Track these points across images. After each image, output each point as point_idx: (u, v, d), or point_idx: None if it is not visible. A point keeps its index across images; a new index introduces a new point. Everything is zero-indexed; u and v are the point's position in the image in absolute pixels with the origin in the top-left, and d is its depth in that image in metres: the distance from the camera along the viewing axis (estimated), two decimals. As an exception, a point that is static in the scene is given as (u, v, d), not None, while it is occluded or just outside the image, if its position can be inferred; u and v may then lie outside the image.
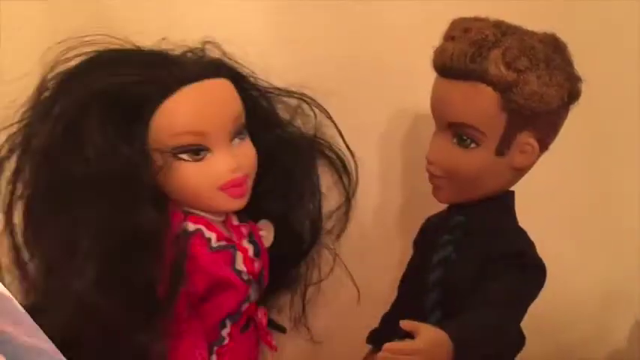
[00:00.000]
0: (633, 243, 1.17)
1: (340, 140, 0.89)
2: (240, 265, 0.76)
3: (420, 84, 0.80)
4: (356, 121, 0.94)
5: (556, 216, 1.09)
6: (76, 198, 0.69)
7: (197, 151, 0.72)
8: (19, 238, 0.74)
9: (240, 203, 0.76)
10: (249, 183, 0.76)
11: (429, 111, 0.79)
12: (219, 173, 0.73)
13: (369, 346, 0.92)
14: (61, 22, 0.79)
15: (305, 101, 0.87)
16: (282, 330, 0.90)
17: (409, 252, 0.92)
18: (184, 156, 0.71)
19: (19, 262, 0.74)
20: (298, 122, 0.88)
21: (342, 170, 0.89)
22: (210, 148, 0.72)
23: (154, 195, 0.71)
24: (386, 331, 0.87)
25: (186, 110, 0.70)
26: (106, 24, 0.77)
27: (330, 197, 0.91)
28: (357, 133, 0.93)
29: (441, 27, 0.77)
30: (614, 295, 1.18)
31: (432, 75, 0.77)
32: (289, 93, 0.86)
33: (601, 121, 1.07)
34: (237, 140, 0.75)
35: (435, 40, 0.77)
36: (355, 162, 0.90)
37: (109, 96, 0.69)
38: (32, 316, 0.70)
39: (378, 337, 0.90)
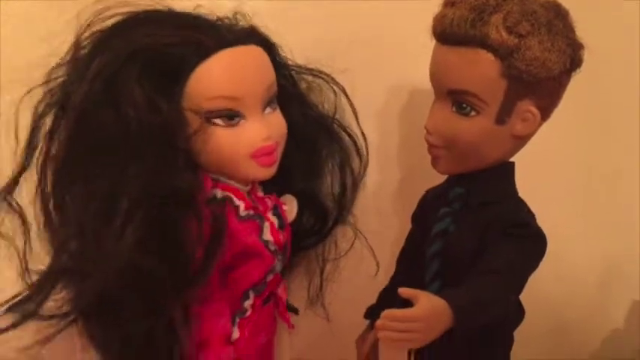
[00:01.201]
0: (633, 222, 1.16)
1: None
2: (267, 236, 0.76)
3: (417, 57, 0.79)
4: (353, 96, 0.92)
5: (556, 192, 1.08)
6: (114, 158, 0.68)
7: (231, 116, 0.71)
8: (51, 200, 0.73)
9: (269, 172, 0.75)
10: (279, 152, 0.76)
11: (427, 85, 0.77)
12: (251, 140, 0.72)
13: (367, 322, 0.92)
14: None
15: (324, 79, 0.86)
16: (295, 311, 0.89)
17: (407, 228, 0.91)
18: (218, 120, 0.71)
19: (50, 224, 0.73)
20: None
21: (355, 151, 0.89)
22: (243, 114, 0.72)
23: (189, 157, 0.70)
24: (384, 305, 0.86)
25: (221, 74, 0.70)
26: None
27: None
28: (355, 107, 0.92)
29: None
30: (613, 273, 1.18)
31: (429, 48, 0.76)
32: (309, 70, 0.86)
33: (603, 95, 1.06)
34: (268, 109, 0.75)
35: (433, 11, 0.76)
36: (367, 144, 0.89)
37: (147, 54, 0.68)
38: (66, 280, 0.71)
39: (376, 312, 0.89)
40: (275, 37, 0.81)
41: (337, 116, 0.88)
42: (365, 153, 0.89)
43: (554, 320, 1.14)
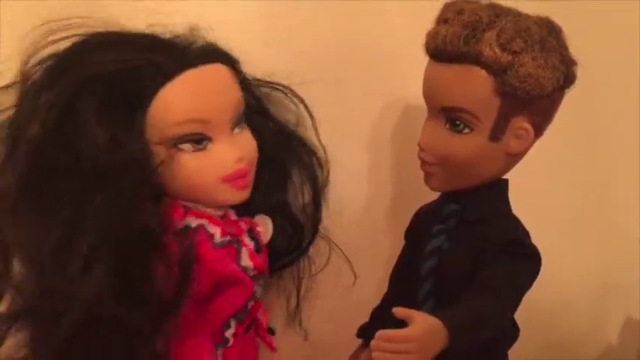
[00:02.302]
0: (627, 237, 1.16)
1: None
2: (245, 261, 0.73)
3: (410, 73, 0.78)
4: (344, 111, 0.92)
5: (550, 210, 1.08)
6: (72, 195, 0.64)
7: (199, 140, 0.68)
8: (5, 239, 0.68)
9: (244, 195, 0.72)
10: (253, 173, 0.73)
11: (420, 100, 0.77)
12: (224, 163, 0.69)
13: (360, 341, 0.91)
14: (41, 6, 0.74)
15: (283, 92, 0.84)
16: (272, 332, 0.86)
17: (399, 246, 0.90)
18: (185, 146, 0.67)
19: (4, 264, 0.68)
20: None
21: (317, 166, 0.87)
22: (211, 137, 0.68)
23: (154, 189, 0.67)
24: (377, 325, 0.85)
25: (186, 97, 0.66)
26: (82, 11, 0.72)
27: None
28: (347, 122, 0.92)
29: (432, 15, 0.75)
30: (608, 289, 1.17)
31: (422, 64, 0.75)
32: (267, 83, 0.83)
33: (598, 113, 1.06)
34: (237, 129, 0.72)
35: (426, 27, 0.75)
36: (327, 157, 0.88)
37: (104, 81, 0.64)
38: (24, 323, 0.67)
39: (368, 331, 0.87)
40: (263, 50, 0.80)
41: (301, 128, 0.86)
42: (326, 164, 0.87)
43: (549, 337, 1.13)
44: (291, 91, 0.85)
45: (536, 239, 0.76)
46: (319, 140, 0.88)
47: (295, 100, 0.85)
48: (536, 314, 0.90)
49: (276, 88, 0.84)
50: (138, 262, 0.64)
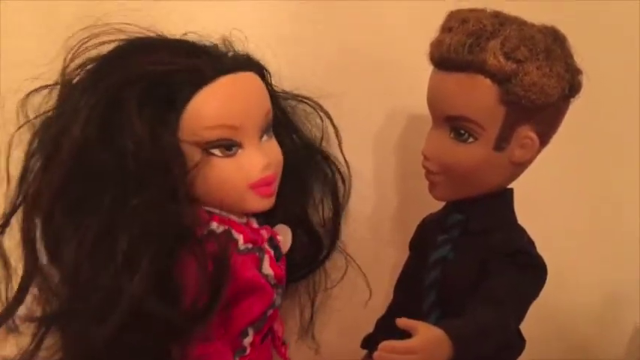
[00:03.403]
0: (634, 247, 1.15)
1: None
2: (267, 269, 0.73)
3: (414, 82, 0.78)
4: (349, 122, 0.92)
5: (556, 219, 1.07)
6: (111, 193, 0.65)
7: (229, 146, 0.69)
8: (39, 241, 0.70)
9: (268, 203, 0.73)
10: (277, 182, 0.74)
11: (425, 110, 0.77)
12: (251, 170, 0.70)
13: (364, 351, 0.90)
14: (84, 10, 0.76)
15: (310, 105, 0.85)
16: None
17: (404, 256, 0.89)
18: (216, 151, 0.68)
19: (39, 267, 0.69)
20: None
21: (340, 180, 0.88)
22: (241, 144, 0.70)
23: (189, 191, 0.68)
24: (381, 335, 0.84)
25: (221, 102, 0.68)
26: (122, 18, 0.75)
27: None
28: (350, 133, 0.92)
29: (436, 24, 0.75)
30: (615, 300, 1.16)
31: (426, 73, 0.75)
32: (295, 96, 0.85)
33: (602, 120, 1.05)
34: (265, 137, 0.73)
35: (430, 37, 0.75)
36: (350, 172, 0.88)
37: (144, 82, 0.66)
38: (61, 326, 0.67)
39: (373, 341, 0.87)
40: (270, 63, 0.80)
41: (324, 142, 0.87)
42: (348, 179, 0.88)
43: (555, 349, 1.12)
44: (318, 105, 0.86)
45: (541, 251, 0.75)
46: (343, 155, 0.88)
47: (321, 114, 0.86)
48: (542, 325, 0.89)
49: (304, 102, 0.85)
50: (173, 262, 0.65)
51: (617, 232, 1.14)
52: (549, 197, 1.04)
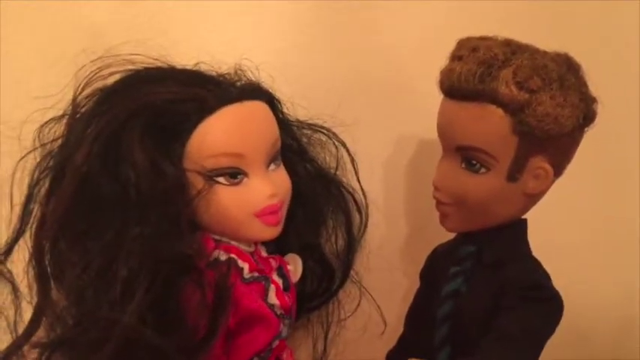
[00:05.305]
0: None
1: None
2: (272, 299, 0.72)
3: (425, 110, 0.77)
4: (361, 149, 0.91)
5: (570, 247, 1.05)
6: (113, 222, 0.65)
7: (234, 174, 0.69)
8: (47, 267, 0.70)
9: (274, 232, 0.73)
10: (284, 211, 0.74)
11: (436, 138, 0.75)
12: (257, 198, 0.70)
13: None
14: (93, 40, 0.78)
15: (325, 134, 0.85)
16: None
17: (415, 286, 0.87)
18: (221, 179, 0.68)
19: (45, 293, 0.70)
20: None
21: (355, 210, 0.87)
22: (247, 172, 0.70)
23: (192, 220, 0.68)
24: (392, 369, 0.83)
25: (225, 130, 0.68)
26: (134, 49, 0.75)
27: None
28: (362, 161, 0.90)
29: (446, 49, 0.74)
30: (629, 328, 1.13)
31: (436, 99, 0.74)
32: (309, 125, 0.84)
33: (602, 120, 1.04)
34: (273, 166, 0.73)
35: (440, 62, 0.74)
36: (366, 200, 0.87)
37: (149, 112, 0.67)
38: (62, 352, 0.67)
39: (383, 376, 0.85)
40: (280, 90, 0.80)
41: (339, 171, 0.86)
42: (365, 209, 0.87)
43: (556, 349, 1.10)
44: (334, 134, 0.85)
45: (555, 281, 0.73)
46: (360, 185, 0.87)
47: (337, 142, 0.86)
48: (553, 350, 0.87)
49: (319, 131, 0.85)
50: (175, 290, 0.65)
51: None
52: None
